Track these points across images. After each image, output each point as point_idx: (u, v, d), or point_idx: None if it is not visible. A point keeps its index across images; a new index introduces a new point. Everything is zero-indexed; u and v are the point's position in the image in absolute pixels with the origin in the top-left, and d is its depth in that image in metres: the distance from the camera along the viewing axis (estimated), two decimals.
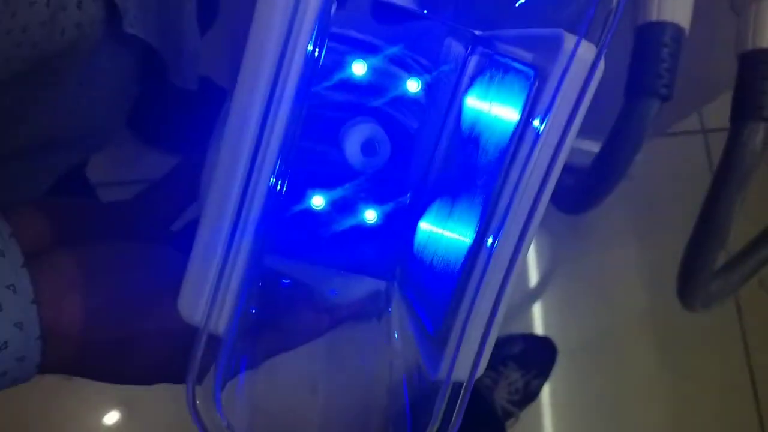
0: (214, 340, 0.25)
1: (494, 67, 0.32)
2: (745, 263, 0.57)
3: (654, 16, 0.49)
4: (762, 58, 0.48)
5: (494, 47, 0.33)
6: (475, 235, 0.28)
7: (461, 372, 0.27)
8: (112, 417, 1.15)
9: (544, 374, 1.28)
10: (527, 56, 0.29)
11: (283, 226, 0.35)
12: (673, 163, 1.33)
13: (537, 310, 1.34)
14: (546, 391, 1.30)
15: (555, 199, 0.59)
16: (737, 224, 0.54)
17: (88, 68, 0.45)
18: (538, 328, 1.33)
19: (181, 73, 0.56)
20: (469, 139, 0.34)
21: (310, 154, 0.35)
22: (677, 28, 0.48)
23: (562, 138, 0.26)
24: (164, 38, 0.50)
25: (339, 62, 0.34)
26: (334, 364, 1.02)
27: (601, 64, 0.25)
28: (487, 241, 0.27)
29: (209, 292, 0.26)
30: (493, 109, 0.31)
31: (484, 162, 0.30)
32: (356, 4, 0.34)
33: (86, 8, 0.39)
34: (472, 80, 0.35)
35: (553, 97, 0.26)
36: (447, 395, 0.27)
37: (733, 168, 0.49)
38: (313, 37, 0.24)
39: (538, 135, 0.26)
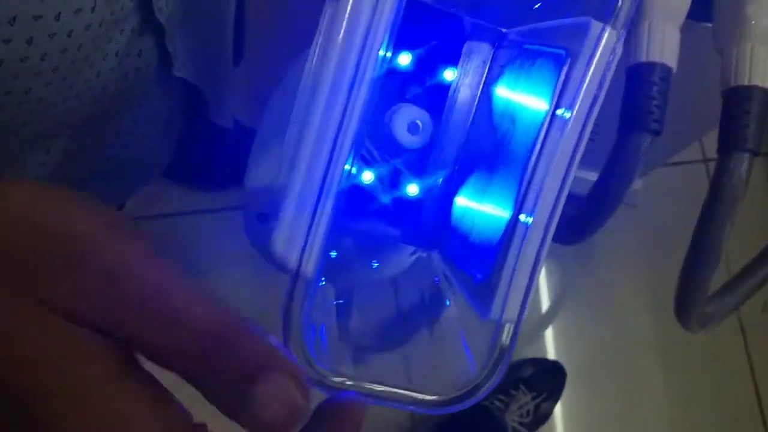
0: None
1: (524, 56, 0.37)
2: (741, 285, 0.59)
3: (643, 57, 0.51)
4: (743, 94, 0.50)
5: (521, 40, 0.37)
6: (512, 211, 0.32)
7: (511, 312, 0.31)
8: None
9: (554, 397, 1.29)
10: (558, 40, 0.33)
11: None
12: (676, 191, 1.36)
13: (547, 334, 1.36)
14: (557, 413, 1.31)
15: None
16: (737, 247, 0.56)
17: (141, 107, 0.50)
18: (549, 352, 1.35)
19: (219, 112, 0.61)
20: (501, 123, 0.38)
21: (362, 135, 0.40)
22: (665, 68, 0.51)
23: (588, 116, 0.30)
24: (205, 80, 0.55)
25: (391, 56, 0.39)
26: None
27: (620, 48, 0.30)
28: (521, 216, 0.31)
29: (302, 238, 0.29)
30: (524, 94, 0.36)
31: (517, 143, 0.35)
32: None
33: (145, 56, 0.45)
34: (503, 69, 0.40)
35: (583, 77, 0.30)
36: (501, 330, 0.31)
37: (720, 196, 0.50)
38: (384, 43, 0.29)
39: (569, 114, 0.30)
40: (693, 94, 0.68)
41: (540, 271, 0.31)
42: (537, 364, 1.30)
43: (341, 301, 0.56)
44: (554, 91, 0.31)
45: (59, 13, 0.34)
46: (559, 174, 0.30)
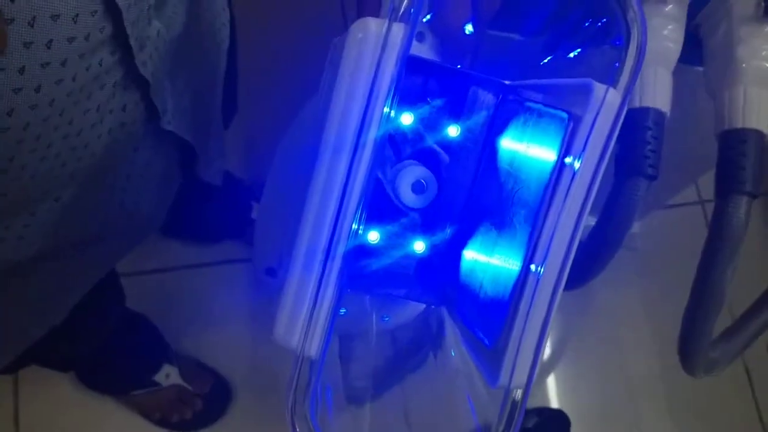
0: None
1: (527, 112, 0.36)
2: (745, 329, 0.57)
3: (636, 103, 0.51)
4: (738, 136, 0.50)
5: (524, 95, 0.37)
6: (522, 262, 0.31)
7: (519, 378, 0.30)
8: None
9: None
10: (560, 102, 0.33)
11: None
12: (674, 233, 1.35)
13: (550, 382, 1.34)
14: None
15: None
16: (739, 289, 0.55)
17: (133, 163, 0.49)
18: (553, 400, 1.33)
19: (209, 169, 0.60)
20: (508, 176, 0.37)
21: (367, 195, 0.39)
22: (659, 113, 0.51)
23: (596, 173, 0.30)
24: (195, 136, 0.55)
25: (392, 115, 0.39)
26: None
27: (624, 108, 0.29)
28: (532, 267, 0.30)
29: (304, 319, 0.28)
30: (530, 149, 0.35)
31: (525, 196, 0.34)
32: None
33: (130, 110, 0.44)
34: (506, 123, 0.39)
35: (588, 137, 0.29)
36: (510, 399, 0.30)
37: (721, 240, 0.50)
38: (389, 102, 0.28)
39: (575, 171, 0.29)
40: (687, 136, 0.68)
41: (549, 329, 0.30)
42: (540, 414, 1.27)
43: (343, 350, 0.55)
44: (560, 151, 0.31)
45: (23, 66, 0.33)
46: (568, 228, 0.30)
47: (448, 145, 0.40)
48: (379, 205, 0.40)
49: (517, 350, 0.30)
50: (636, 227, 1.27)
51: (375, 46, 0.27)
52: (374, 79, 0.27)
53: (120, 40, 0.39)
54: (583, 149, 0.29)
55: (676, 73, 0.54)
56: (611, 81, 0.30)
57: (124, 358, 1.05)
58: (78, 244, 0.51)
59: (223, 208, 1.14)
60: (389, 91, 0.28)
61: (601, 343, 1.38)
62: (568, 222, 0.30)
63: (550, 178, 0.31)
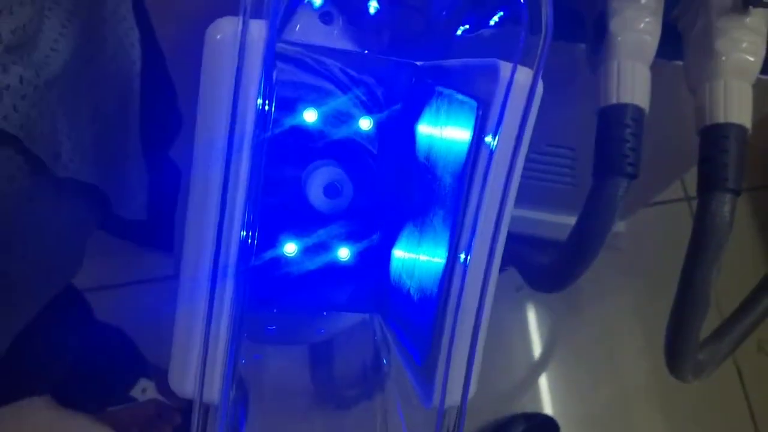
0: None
1: (438, 98, 0.33)
2: (732, 330, 0.56)
3: (614, 99, 0.50)
4: (719, 132, 0.49)
5: (436, 78, 0.34)
6: (447, 254, 0.29)
7: (453, 396, 0.27)
8: None
9: None
10: (468, 86, 0.30)
11: (258, 278, 0.35)
12: (660, 232, 1.34)
13: (542, 386, 1.32)
14: None
15: (531, 278, 0.59)
16: (728, 287, 0.54)
17: (30, 215, 0.44)
18: (545, 404, 1.31)
19: (127, 206, 0.55)
20: (427, 167, 0.34)
21: (275, 203, 0.35)
22: (637, 109, 0.49)
23: (514, 155, 0.27)
24: (104, 175, 0.50)
25: (291, 109, 0.35)
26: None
27: (540, 86, 0.26)
28: (459, 257, 0.27)
29: (198, 362, 0.25)
30: (444, 136, 0.32)
31: (444, 186, 0.31)
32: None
33: (4, 168, 0.39)
34: (420, 111, 0.36)
35: (498, 123, 0.26)
36: (444, 423, 0.27)
37: (704, 238, 0.48)
38: (261, 90, 0.25)
39: (490, 158, 0.27)
40: (670, 132, 0.66)
41: (483, 335, 0.27)
42: (529, 420, 1.26)
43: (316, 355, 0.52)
44: (471, 141, 0.28)
45: None
46: (491, 211, 0.27)
47: (363, 141, 0.37)
48: (294, 214, 0.36)
49: (448, 359, 0.27)
50: (621, 226, 1.25)
51: (232, 50, 0.24)
52: (237, 85, 0.24)
53: None
54: (495, 134, 0.27)
55: (655, 68, 0.52)
56: (520, 58, 0.27)
57: (98, 373, 1.03)
58: None
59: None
60: (259, 92, 0.24)
61: (590, 345, 1.37)
62: (490, 214, 0.27)
63: (465, 167, 0.28)
